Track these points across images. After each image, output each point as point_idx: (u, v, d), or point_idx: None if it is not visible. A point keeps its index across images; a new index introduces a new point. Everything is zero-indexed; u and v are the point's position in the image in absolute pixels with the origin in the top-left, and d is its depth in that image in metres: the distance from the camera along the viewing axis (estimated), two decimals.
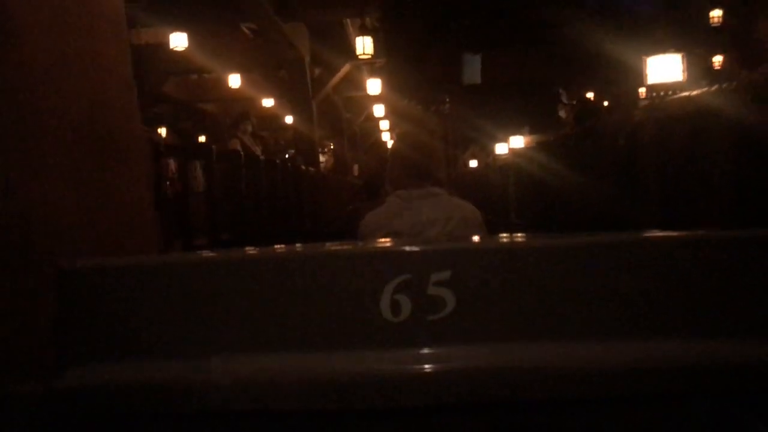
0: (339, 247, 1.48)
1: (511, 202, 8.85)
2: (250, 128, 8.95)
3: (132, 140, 3.17)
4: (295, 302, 1.21)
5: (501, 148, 10.14)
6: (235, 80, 10.70)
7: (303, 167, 8.44)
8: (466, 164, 16.45)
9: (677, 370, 1.17)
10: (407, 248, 1.34)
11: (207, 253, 1.81)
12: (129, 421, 1.23)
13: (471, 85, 22.94)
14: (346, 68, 9.44)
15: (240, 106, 10.03)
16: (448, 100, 23.74)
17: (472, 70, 23.44)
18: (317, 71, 9.93)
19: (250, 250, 1.57)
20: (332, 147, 17.08)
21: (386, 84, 14.24)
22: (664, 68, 4.11)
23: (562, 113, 9.13)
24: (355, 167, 19.53)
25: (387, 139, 18.98)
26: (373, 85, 12.30)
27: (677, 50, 6.33)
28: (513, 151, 8.09)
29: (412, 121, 20.80)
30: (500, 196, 9.58)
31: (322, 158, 18.20)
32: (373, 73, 12.52)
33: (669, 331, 1.19)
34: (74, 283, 1.30)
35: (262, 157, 8.84)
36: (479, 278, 1.21)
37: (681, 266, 1.21)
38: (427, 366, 1.17)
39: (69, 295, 1.29)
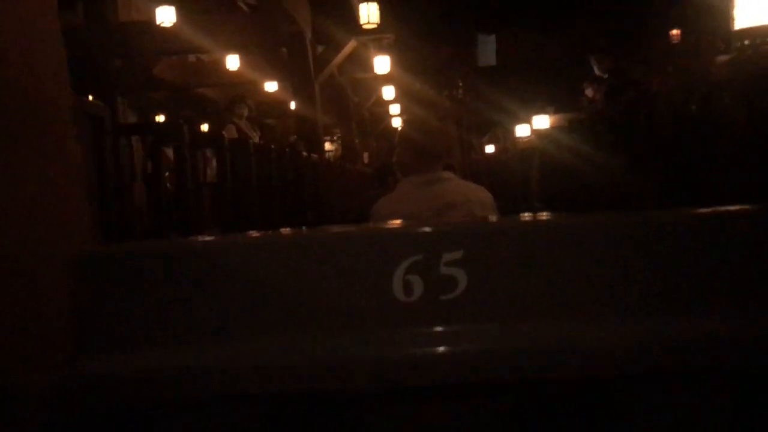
0: (350, 229, 1.48)
1: (534, 189, 8.05)
2: (246, 112, 8.15)
3: (56, 111, 2.37)
4: (308, 284, 1.23)
5: (522, 130, 9.27)
6: (233, 61, 9.86)
7: (305, 154, 7.61)
8: (483, 150, 15.58)
9: (696, 346, 1.16)
10: (419, 228, 1.36)
11: (223, 237, 1.81)
12: (148, 409, 1.24)
13: (486, 66, 22.18)
14: (351, 45, 8.59)
15: (241, 90, 9.20)
16: (461, 83, 22.95)
17: (487, 50, 22.66)
18: (320, 49, 9.08)
19: (265, 233, 1.58)
20: (339, 135, 16.22)
21: (396, 64, 13.42)
22: (761, 8, 3.18)
23: (588, 91, 8.24)
24: (365, 155, 18.73)
25: (398, 124, 18.15)
26: (381, 63, 11.30)
27: None
28: (536, 133, 7.23)
29: (423, 105, 20.02)
30: (521, 181, 8.76)
31: (330, 146, 17.40)
32: (381, 50, 11.66)
33: (683, 308, 1.19)
34: (91, 270, 1.30)
35: (257, 142, 8.04)
36: (491, 257, 1.22)
37: (693, 245, 1.21)
38: (439, 346, 1.18)
39: (85, 281, 1.29)
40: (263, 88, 11.36)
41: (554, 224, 1.34)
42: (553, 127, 7.63)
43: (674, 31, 11.34)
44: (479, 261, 1.19)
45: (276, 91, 11.45)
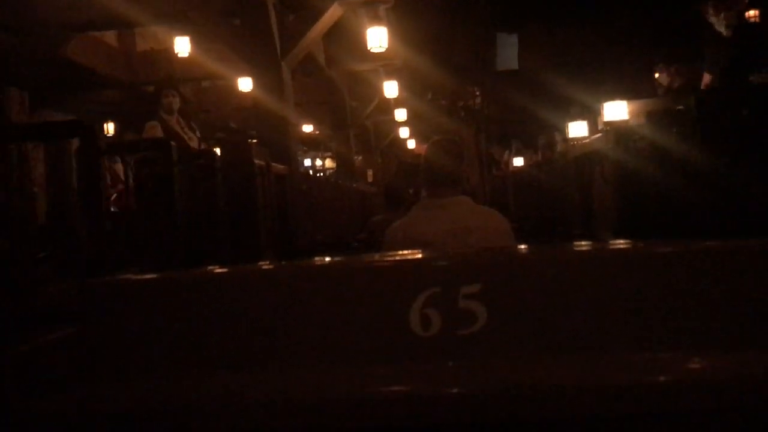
0: (365, 260, 1.50)
1: (601, 211, 5.48)
2: (177, 103, 5.60)
3: None
4: (321, 317, 1.21)
5: (577, 129, 6.65)
6: (182, 45, 7.37)
7: (265, 164, 5.05)
8: (509, 164, 13.00)
9: (724, 384, 1.12)
10: (435, 260, 1.37)
11: (234, 268, 1.73)
12: None
13: (507, 71, 19.70)
14: (333, 11, 6.02)
15: (172, 72, 6.63)
16: (478, 93, 20.44)
17: (506, 53, 20.19)
18: (291, 18, 6.51)
19: (275, 263, 1.71)
20: (324, 152, 13.54)
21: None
22: None
23: (662, 77, 5.71)
24: (369, 172, 16.17)
25: (405, 134, 15.58)
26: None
27: None
28: (614, 128, 4.60)
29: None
30: (576, 201, 6.16)
31: (331, 164, 14.90)
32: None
33: (717, 344, 1.16)
34: (99, 299, 1.32)
35: (197, 146, 5.52)
36: (511, 291, 1.20)
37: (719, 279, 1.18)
38: (458, 383, 1.16)
39: (93, 310, 1.30)
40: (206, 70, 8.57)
41: (576, 255, 1.33)
42: (632, 119, 5.01)
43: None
44: (499, 294, 1.18)
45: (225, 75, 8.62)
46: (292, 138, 6.19)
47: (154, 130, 5.41)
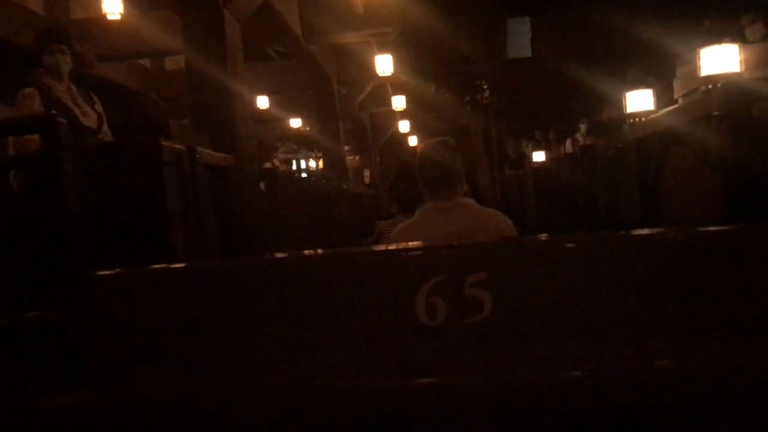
0: (371, 250, 1.57)
1: (676, 208, 3.78)
2: (68, 63, 3.85)
3: None
4: (328, 306, 1.23)
5: (639, 101, 4.85)
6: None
7: (186, 149, 3.29)
8: (525, 159, 11.25)
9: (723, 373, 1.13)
10: (441, 249, 1.35)
11: (239, 258, 1.75)
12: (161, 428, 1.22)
13: (519, 59, 17.91)
14: None
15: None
16: (486, 86, 18.66)
17: (517, 41, 18.37)
18: None
19: (282, 254, 1.63)
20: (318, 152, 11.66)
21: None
22: None
23: (756, 27, 3.95)
24: (366, 173, 14.39)
25: (406, 129, 13.80)
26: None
27: None
28: (725, 86, 2.81)
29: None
30: (623, 201, 4.45)
31: (313, 161, 13.15)
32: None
33: (710, 333, 1.16)
34: (100, 291, 1.33)
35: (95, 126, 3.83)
36: (517, 278, 1.21)
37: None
38: (464, 371, 1.16)
39: (95, 302, 1.31)
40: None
41: (579, 243, 1.30)
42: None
43: None
44: (505, 282, 1.19)
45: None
46: (240, 117, 4.41)
47: (29, 100, 3.66)
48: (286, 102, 10.69)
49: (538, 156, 9.67)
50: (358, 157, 15.32)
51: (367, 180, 14.20)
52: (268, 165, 9.23)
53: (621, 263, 1.19)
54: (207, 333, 1.22)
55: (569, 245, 1.29)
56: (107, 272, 1.34)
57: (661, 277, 1.16)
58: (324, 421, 1.18)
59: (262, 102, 10.54)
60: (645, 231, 1.36)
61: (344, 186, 8.95)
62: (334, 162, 9.21)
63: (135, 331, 1.24)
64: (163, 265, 1.50)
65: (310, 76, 8.90)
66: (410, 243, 1.98)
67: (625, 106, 5.13)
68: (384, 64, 7.85)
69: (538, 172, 8.81)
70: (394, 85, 11.26)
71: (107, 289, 1.30)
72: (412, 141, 15.79)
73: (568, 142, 9.61)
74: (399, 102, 11.65)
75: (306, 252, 1.57)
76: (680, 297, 1.16)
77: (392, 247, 1.61)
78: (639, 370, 1.14)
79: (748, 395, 1.09)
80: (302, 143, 14.34)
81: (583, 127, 9.46)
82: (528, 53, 17.24)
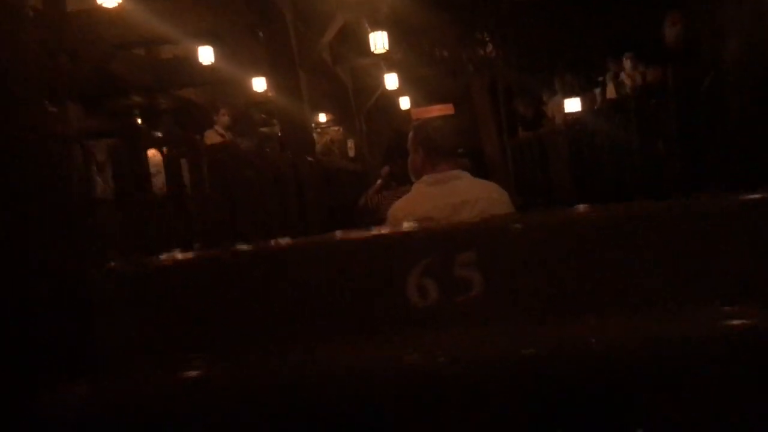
0: (363, 233, 1.50)
1: None
2: None
3: None
4: (320, 289, 1.24)
5: None
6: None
7: None
8: (552, 116, 8.80)
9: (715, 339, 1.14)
10: (430, 230, 1.38)
11: (235, 248, 1.67)
12: (167, 420, 1.24)
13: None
14: None
15: None
16: (488, 38, 16.13)
17: None
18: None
19: (276, 241, 1.60)
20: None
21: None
22: None
23: None
24: (350, 143, 11.95)
25: (395, 81, 11.23)
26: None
27: None
28: None
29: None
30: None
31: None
32: None
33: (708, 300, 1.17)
34: (109, 283, 1.32)
35: None
36: (506, 257, 1.22)
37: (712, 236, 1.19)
38: (455, 350, 1.18)
39: (103, 294, 1.31)
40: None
41: (568, 220, 1.33)
42: None
43: None
44: (494, 261, 1.20)
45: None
46: None
47: None
48: (231, 53, 8.19)
49: (572, 105, 7.18)
50: (340, 128, 12.88)
51: (351, 153, 11.77)
52: (212, 136, 6.88)
53: (615, 239, 1.19)
54: (204, 324, 1.22)
55: (558, 222, 1.30)
56: (107, 264, 1.35)
57: (652, 253, 1.17)
58: (321, 401, 1.17)
59: (206, 54, 8.09)
60: (624, 206, 1.28)
61: (309, 159, 6.53)
62: (294, 128, 6.75)
63: (136, 322, 1.26)
64: (158, 257, 1.51)
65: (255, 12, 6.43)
66: (402, 226, 2.04)
67: None
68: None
69: (575, 129, 6.41)
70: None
71: (107, 281, 1.30)
72: (404, 103, 13.31)
73: (611, 85, 7.15)
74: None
75: (302, 239, 1.46)
76: (676, 271, 1.17)
77: (383, 231, 1.65)
78: (634, 344, 1.13)
79: None
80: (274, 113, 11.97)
81: (627, 63, 7.01)
82: None
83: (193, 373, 1.22)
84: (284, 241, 1.56)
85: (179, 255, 1.63)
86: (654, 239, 1.17)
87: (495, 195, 2.46)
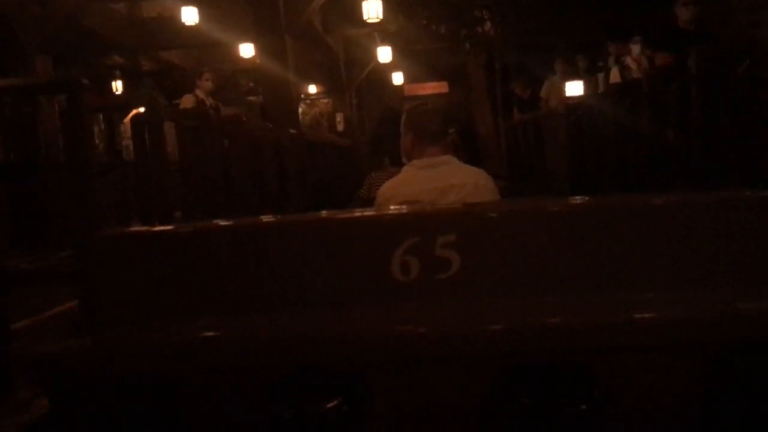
0: (353, 213, 1.59)
1: None
2: None
3: None
4: (312, 265, 1.33)
5: None
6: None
7: None
8: (546, 98, 8.41)
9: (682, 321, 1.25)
10: (415, 213, 1.52)
11: (226, 221, 1.80)
12: (162, 379, 1.30)
13: None
14: None
15: None
16: (487, 16, 15.64)
17: None
18: None
19: (270, 217, 1.66)
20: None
21: None
22: None
23: None
24: (339, 117, 11.53)
25: (389, 54, 10.79)
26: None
27: None
28: None
29: None
30: None
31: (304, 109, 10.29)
32: None
33: (661, 283, 1.30)
34: (104, 250, 1.40)
35: None
36: (483, 240, 1.33)
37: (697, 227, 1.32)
38: (434, 323, 1.27)
39: (100, 260, 1.39)
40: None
41: (538, 209, 1.40)
42: None
43: None
44: (472, 243, 1.30)
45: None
46: None
47: None
48: (216, 15, 7.73)
49: (573, 89, 6.81)
50: (330, 101, 12.44)
51: (340, 127, 11.36)
52: (189, 100, 6.44)
53: (573, 228, 1.32)
54: (201, 289, 1.31)
55: (532, 210, 1.41)
56: (109, 231, 1.43)
57: (619, 240, 1.30)
58: (305, 367, 1.25)
59: (189, 15, 7.65)
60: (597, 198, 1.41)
61: (292, 131, 6.13)
62: (278, 98, 6.34)
63: (134, 287, 1.32)
64: (159, 227, 1.62)
65: None
66: (389, 207, 2.19)
67: None
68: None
69: (576, 112, 6.06)
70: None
71: (108, 248, 1.36)
72: (397, 78, 12.86)
73: (615, 70, 6.77)
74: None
75: (294, 216, 1.66)
76: (646, 257, 1.30)
77: (372, 212, 1.84)
78: (600, 321, 1.22)
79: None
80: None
81: (635, 47, 6.63)
82: None
83: (196, 334, 1.29)
84: (278, 217, 1.64)
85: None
86: (615, 230, 1.30)
87: (481, 181, 2.55)
